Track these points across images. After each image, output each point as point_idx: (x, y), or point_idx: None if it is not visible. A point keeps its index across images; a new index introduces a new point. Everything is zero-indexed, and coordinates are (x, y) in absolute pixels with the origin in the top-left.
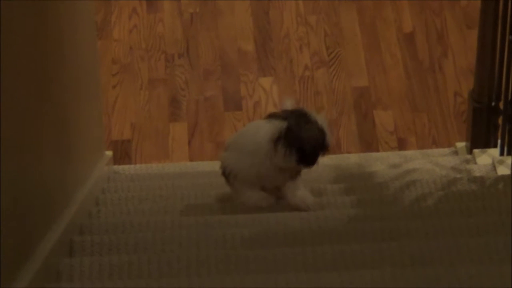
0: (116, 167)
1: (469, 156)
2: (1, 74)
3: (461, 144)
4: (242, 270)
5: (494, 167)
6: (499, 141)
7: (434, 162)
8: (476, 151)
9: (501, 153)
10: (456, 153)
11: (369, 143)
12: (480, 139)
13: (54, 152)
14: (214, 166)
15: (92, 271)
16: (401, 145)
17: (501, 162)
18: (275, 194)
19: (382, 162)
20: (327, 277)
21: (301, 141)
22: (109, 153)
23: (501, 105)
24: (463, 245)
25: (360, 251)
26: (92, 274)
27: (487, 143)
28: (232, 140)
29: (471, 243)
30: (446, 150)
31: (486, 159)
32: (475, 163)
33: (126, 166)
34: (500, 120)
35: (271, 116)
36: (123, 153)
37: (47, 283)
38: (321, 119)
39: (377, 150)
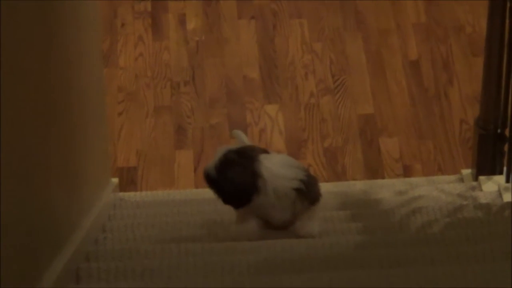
0: (122, 194)
1: (475, 183)
2: (7, 102)
3: (466, 171)
4: None
5: (500, 194)
6: (504, 168)
7: (440, 189)
8: (482, 178)
9: (507, 180)
10: (462, 180)
11: (374, 170)
12: (486, 166)
13: (61, 179)
14: None
15: None
16: (407, 172)
17: (507, 189)
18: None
19: (388, 189)
20: None
21: (220, 182)
22: (115, 180)
23: (507, 132)
24: (469, 272)
25: (367, 278)
26: None
27: (493, 170)
28: None
29: (477, 270)
30: (452, 177)
31: (492, 186)
32: (481, 190)
33: (132, 193)
34: (506, 147)
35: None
36: (129, 180)
37: None
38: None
39: (383, 177)
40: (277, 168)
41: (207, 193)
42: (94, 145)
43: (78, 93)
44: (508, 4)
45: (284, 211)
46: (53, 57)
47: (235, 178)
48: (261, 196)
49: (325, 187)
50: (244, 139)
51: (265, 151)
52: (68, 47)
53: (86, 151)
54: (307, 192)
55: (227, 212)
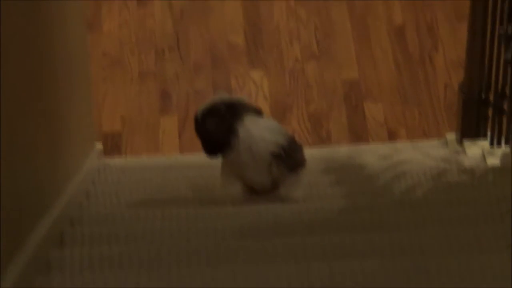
0: (106, 159)
1: (459, 147)
2: None
3: (451, 136)
4: (232, 261)
5: (484, 158)
6: (488, 132)
7: (424, 154)
8: (466, 142)
9: (491, 144)
10: (446, 144)
11: (359, 135)
12: (470, 130)
13: (45, 144)
14: (205, 158)
15: (83, 262)
16: (391, 137)
17: (490, 153)
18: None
19: (372, 154)
20: (317, 267)
21: (199, 127)
22: (99, 145)
23: (491, 96)
24: (452, 236)
25: (350, 242)
26: (82, 265)
27: (477, 134)
28: None
29: (461, 234)
30: (436, 142)
31: (476, 150)
32: (465, 154)
33: (116, 159)
34: (489, 112)
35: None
36: (113, 146)
37: (37, 275)
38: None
39: (367, 142)
40: (257, 130)
41: (192, 158)
42: (79, 110)
43: (62, 59)
44: None
45: (260, 173)
46: (37, 23)
47: (211, 127)
48: (234, 153)
49: (310, 152)
50: None
51: (258, 112)
52: (52, 13)
53: (71, 117)
54: (286, 158)
55: (212, 177)
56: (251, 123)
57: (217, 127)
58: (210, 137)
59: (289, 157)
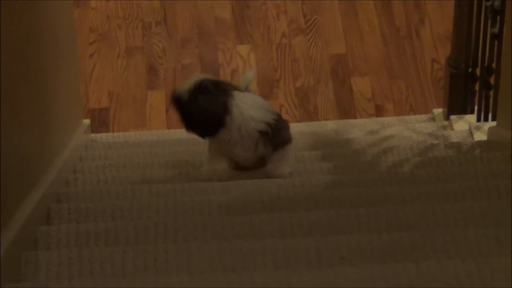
0: (94, 135)
1: (446, 122)
2: None
3: (438, 111)
4: (219, 236)
5: (471, 133)
6: (476, 107)
7: (411, 129)
8: (453, 117)
9: (478, 119)
10: (433, 119)
11: (346, 110)
12: (457, 105)
13: (32, 120)
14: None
15: (69, 238)
16: (379, 111)
17: (477, 128)
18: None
19: (360, 129)
20: (304, 242)
21: (190, 107)
22: (86, 121)
23: (477, 71)
24: (439, 210)
25: (337, 217)
26: (69, 241)
27: (464, 110)
28: None
29: (447, 208)
30: (423, 117)
31: (463, 125)
32: (452, 129)
33: (104, 134)
34: (477, 86)
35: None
36: (101, 121)
37: (24, 251)
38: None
39: (355, 117)
40: (247, 107)
41: (179, 133)
42: (66, 86)
43: (48, 35)
44: None
45: (247, 150)
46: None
47: (207, 106)
48: (226, 131)
49: (297, 127)
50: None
51: (237, 89)
52: None
53: (58, 93)
54: (273, 136)
55: (199, 152)
56: (241, 100)
57: (212, 105)
58: (206, 116)
59: (276, 135)
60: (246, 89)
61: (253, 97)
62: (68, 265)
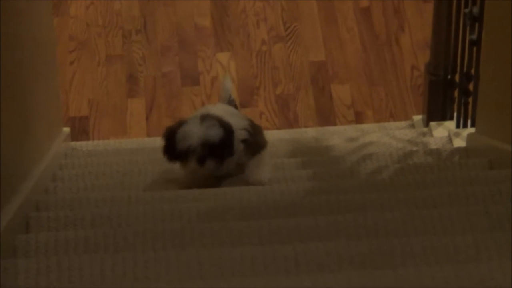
0: (73, 143)
1: (425, 129)
2: None
3: (417, 117)
4: (198, 243)
5: (450, 140)
6: (455, 114)
7: (391, 135)
8: (432, 123)
9: (457, 126)
10: (413, 126)
11: (326, 117)
12: (436, 112)
13: (11, 128)
14: None
15: (48, 246)
16: (359, 118)
17: (457, 135)
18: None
19: (339, 136)
20: (282, 249)
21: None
22: (66, 129)
23: (457, 78)
24: (417, 217)
25: (315, 224)
26: (48, 249)
27: (443, 116)
28: None
29: (426, 215)
30: (403, 123)
31: (443, 131)
32: (432, 135)
33: (83, 142)
34: (456, 93)
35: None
36: (80, 130)
37: (3, 259)
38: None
39: (335, 124)
40: (226, 117)
41: (159, 141)
42: (46, 94)
43: (28, 43)
44: None
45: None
46: (2, 6)
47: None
48: None
49: (277, 134)
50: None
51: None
52: None
53: (37, 101)
54: (252, 143)
55: None
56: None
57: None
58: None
59: (253, 141)
60: (230, 98)
61: (223, 107)
62: (47, 273)
